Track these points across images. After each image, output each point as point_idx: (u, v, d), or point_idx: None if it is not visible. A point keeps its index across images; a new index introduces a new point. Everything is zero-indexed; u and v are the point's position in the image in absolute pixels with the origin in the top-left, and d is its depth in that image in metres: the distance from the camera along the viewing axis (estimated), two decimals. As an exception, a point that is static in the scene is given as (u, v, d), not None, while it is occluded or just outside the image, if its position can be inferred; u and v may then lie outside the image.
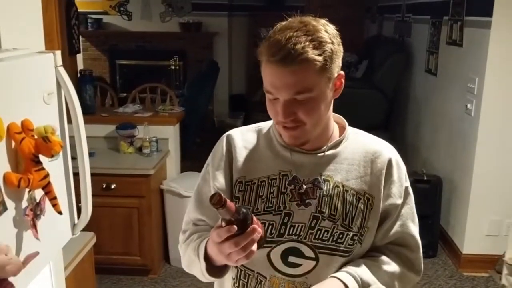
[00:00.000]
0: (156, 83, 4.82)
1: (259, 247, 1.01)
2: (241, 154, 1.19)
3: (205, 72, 5.53)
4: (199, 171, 1.30)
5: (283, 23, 1.07)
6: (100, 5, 6.83)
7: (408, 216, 1.19)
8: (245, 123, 7.06)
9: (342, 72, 1.10)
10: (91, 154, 3.13)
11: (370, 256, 1.18)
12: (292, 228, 1.13)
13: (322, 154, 1.16)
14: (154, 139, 3.32)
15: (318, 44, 1.02)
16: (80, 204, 1.29)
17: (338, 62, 1.08)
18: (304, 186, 1.13)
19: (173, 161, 3.51)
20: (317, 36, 1.02)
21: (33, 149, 0.99)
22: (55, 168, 1.18)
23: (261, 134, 1.22)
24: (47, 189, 1.04)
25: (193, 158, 4.90)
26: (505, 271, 3.04)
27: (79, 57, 6.52)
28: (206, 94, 5.28)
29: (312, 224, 1.12)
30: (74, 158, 1.30)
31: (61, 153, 1.22)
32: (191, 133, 4.91)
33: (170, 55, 6.60)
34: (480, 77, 3.18)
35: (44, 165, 1.05)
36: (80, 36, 6.29)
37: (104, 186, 3.03)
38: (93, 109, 3.54)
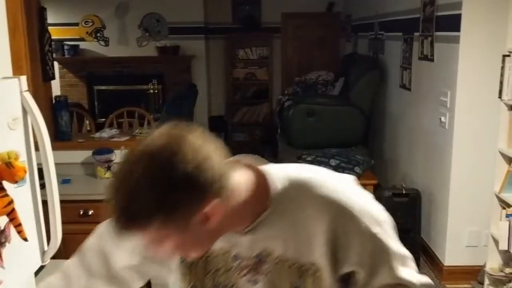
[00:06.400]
0: (133, 107, 4.80)
1: None
2: None
3: (183, 94, 5.53)
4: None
5: (127, 158, 0.88)
6: (76, 32, 6.83)
7: (390, 267, 1.01)
8: (225, 143, 7.08)
9: (214, 202, 0.87)
10: (67, 181, 3.11)
11: None
12: None
13: (253, 231, 1.00)
14: (131, 163, 3.28)
15: (141, 210, 0.83)
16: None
17: (193, 201, 0.86)
18: (248, 262, 1.03)
19: (152, 185, 3.46)
20: (145, 197, 0.83)
21: (-4, 175, 0.98)
22: (22, 195, 1.16)
23: None
24: (12, 215, 1.03)
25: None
26: (486, 281, 3.05)
27: (57, 84, 6.49)
28: (185, 116, 5.28)
29: None
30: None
31: (28, 179, 1.21)
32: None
33: (148, 79, 6.59)
34: (452, 90, 3.24)
35: (9, 192, 1.04)
36: (57, 63, 6.29)
37: (81, 213, 2.97)
38: (69, 135, 3.49)
